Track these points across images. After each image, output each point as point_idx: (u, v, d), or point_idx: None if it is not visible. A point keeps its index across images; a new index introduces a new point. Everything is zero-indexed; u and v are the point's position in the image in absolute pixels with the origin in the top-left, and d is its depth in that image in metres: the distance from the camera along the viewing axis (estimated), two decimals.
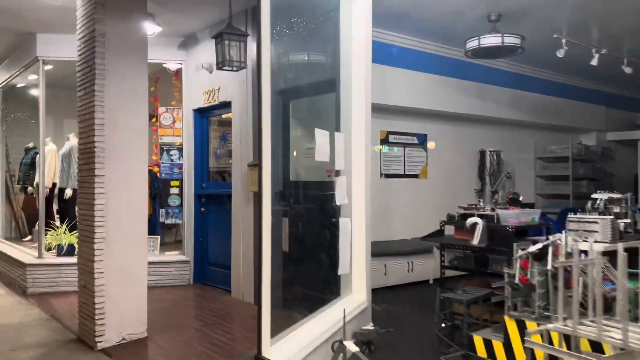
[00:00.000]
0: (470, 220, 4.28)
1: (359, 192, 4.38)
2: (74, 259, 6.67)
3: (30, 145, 9.33)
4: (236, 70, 5.29)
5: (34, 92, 9.89)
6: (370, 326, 4.15)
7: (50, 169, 8.12)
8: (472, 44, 5.37)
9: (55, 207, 8.44)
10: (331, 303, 4.16)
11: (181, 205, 6.95)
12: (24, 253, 7.06)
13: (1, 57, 8.35)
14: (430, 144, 7.38)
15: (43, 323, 5.19)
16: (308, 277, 4.94)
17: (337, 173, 4.37)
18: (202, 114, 6.81)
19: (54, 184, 8.22)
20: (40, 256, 6.68)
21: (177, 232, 8.10)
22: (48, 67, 6.92)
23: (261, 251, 2.99)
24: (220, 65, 5.05)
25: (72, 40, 6.25)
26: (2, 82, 8.46)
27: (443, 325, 4.34)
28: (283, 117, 5.47)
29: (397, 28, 6.47)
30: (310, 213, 5.09)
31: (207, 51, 6.50)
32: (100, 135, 4.40)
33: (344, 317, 3.55)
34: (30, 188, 9.06)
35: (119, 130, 4.50)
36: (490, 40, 5.22)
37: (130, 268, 4.55)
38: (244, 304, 5.70)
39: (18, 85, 9.33)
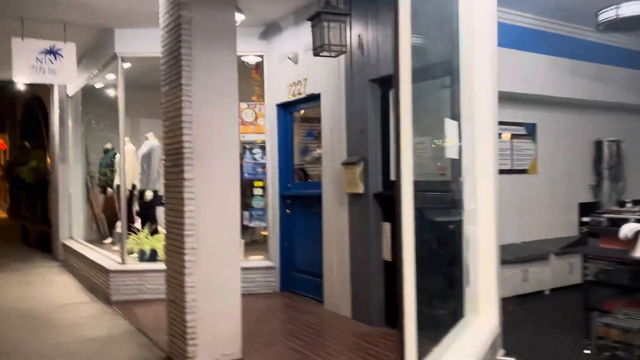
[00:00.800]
0: (630, 228, 3.49)
1: (486, 193, 3.71)
2: (157, 265, 6.41)
3: (109, 146, 9.23)
4: (335, 56, 4.72)
5: (111, 92, 9.81)
6: (505, 356, 3.46)
7: (129, 170, 7.91)
8: (607, 14, 4.52)
9: (135, 209, 8.27)
10: (459, 327, 3.51)
11: (265, 207, 6.49)
12: (107, 258, 6.85)
13: (79, 58, 8.23)
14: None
15: (131, 337, 4.86)
16: (422, 292, 4.31)
17: (458, 171, 3.70)
18: (286, 109, 6.31)
19: (133, 186, 8.03)
20: (123, 262, 6.43)
21: (253, 233, 7.68)
22: (126, 65, 6.64)
23: (402, 265, 2.39)
24: (317, 51, 4.49)
25: (151, 35, 5.92)
26: (84, 82, 8.34)
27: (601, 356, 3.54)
28: (382, 108, 4.85)
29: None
30: (419, 216, 4.44)
31: (290, 40, 5.99)
32: (188, 134, 3.96)
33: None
34: (109, 189, 8.94)
35: (208, 128, 4.03)
36: (633, 8, 4.35)
37: (223, 282, 4.08)
38: (340, 318, 5.14)
39: (96, 86, 9.26)
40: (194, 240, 3.96)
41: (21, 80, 5.72)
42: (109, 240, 9.06)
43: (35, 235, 10.54)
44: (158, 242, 6.63)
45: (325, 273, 5.45)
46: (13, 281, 7.55)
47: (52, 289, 7.03)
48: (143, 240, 6.64)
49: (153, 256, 6.56)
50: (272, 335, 4.71)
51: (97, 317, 5.63)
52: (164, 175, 4.33)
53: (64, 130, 9.33)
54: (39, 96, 13.35)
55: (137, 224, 8.23)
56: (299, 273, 6.12)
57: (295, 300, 5.89)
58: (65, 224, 9.28)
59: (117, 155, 8.12)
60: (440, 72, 4.30)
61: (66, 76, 6.01)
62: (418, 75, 4.60)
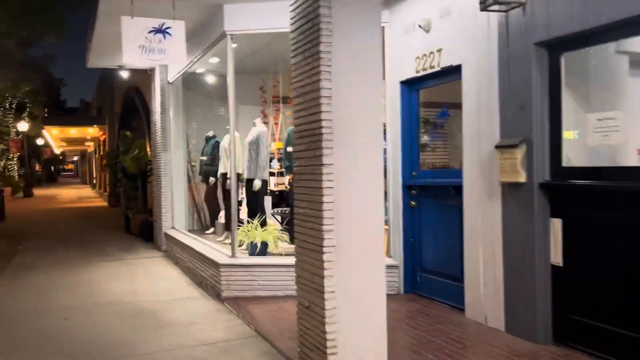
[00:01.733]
0: None
1: None
2: (269, 260, 5.92)
3: (211, 133, 8.91)
4: (505, 11, 3.90)
5: (210, 78, 9.52)
6: None
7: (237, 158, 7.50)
8: None
9: (239, 199, 7.88)
10: None
11: (385, 198, 5.77)
12: (215, 251, 6.46)
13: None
14: None
15: (251, 342, 4.35)
16: (607, 304, 3.44)
17: None
18: (412, 86, 5.54)
19: (238, 175, 7.61)
20: (233, 255, 5.99)
21: None
22: (234, 44, 6.16)
23: None
24: (483, 6, 3.69)
25: (262, 9, 5.38)
26: (185, 67, 8.03)
27: None
28: (550, 79, 3.96)
29: None
30: (602, 213, 3.55)
31: (420, 5, 5.21)
32: (327, 111, 3.31)
33: None
34: (211, 178, 8.63)
35: (349, 105, 3.37)
36: None
37: (367, 286, 3.43)
38: (490, 331, 4.34)
39: (197, 71, 8.97)
40: (334, 237, 3.33)
41: (130, 61, 5.40)
42: (210, 231, 8.77)
43: (137, 225, 10.54)
44: (269, 235, 6.15)
45: (467, 276, 4.67)
46: (120, 272, 7.40)
47: (159, 282, 6.76)
48: (253, 232, 6.17)
49: (264, 249, 6.08)
50: (415, 349, 4.01)
51: (210, 315, 5.20)
52: (294, 162, 3.73)
53: (165, 118, 9.14)
54: (137, 86, 13.51)
55: (242, 214, 7.85)
56: (429, 274, 5.36)
57: (426, 306, 5.15)
58: (167, 214, 9.11)
59: (223, 142, 7.74)
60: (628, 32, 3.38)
61: (175, 55, 5.61)
62: (595, 36, 3.67)
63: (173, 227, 9.09)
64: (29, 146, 31.44)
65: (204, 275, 6.43)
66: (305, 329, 3.60)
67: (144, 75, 11.70)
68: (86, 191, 32.17)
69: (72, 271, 7.45)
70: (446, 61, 4.87)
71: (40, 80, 24.10)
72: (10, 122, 25.13)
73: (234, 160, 6.09)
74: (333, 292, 3.32)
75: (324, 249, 3.30)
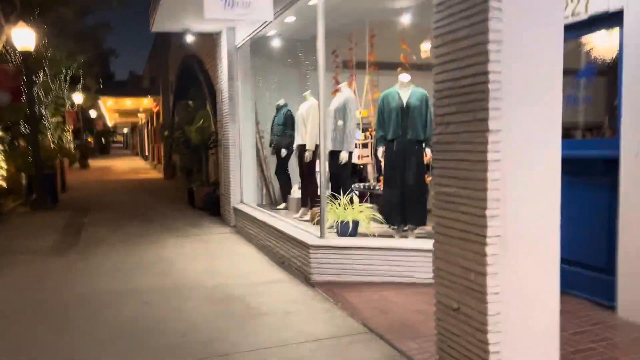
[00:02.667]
0: None
1: None
2: (364, 242, 5.27)
3: (282, 102, 8.27)
4: None
5: (281, 42, 8.84)
6: None
7: (314, 129, 6.85)
8: None
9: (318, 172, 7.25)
10: None
11: None
12: (300, 230, 5.86)
13: None
14: None
15: (362, 341, 3.73)
16: None
17: None
18: None
19: (316, 147, 6.96)
20: (322, 236, 5.38)
21: None
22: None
23: None
24: None
25: None
26: (257, 29, 7.37)
27: None
28: None
29: None
30: None
31: None
32: (496, 60, 2.57)
33: None
34: (283, 150, 8.02)
35: (524, 54, 2.62)
36: None
37: (539, 287, 2.73)
38: None
39: (268, 34, 8.30)
40: (499, 224, 2.62)
41: (212, 15, 4.78)
42: (282, 206, 8.22)
43: (202, 198, 10.12)
44: (361, 213, 5.49)
45: (620, 268, 3.88)
46: (194, 249, 6.94)
47: (238, 261, 6.25)
48: (342, 210, 5.54)
49: (355, 230, 5.44)
50: (571, 358, 3.29)
51: (305, 303, 4.62)
52: (434, 127, 3.01)
53: (233, 86, 8.54)
54: (195, 54, 12.97)
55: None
56: (564, 263, 4.57)
57: (563, 300, 4.39)
58: (236, 187, 8.60)
59: (299, 111, 7.09)
60: None
61: (261, 9, 4.96)
62: None
63: (242, 202, 8.59)
64: (83, 118, 31.86)
65: (287, 256, 5.87)
66: (450, 334, 2.93)
67: (204, 42, 11.13)
68: (139, 163, 32.47)
69: (144, 247, 7.05)
70: (597, 6, 3.99)
71: (95, 52, 24.07)
72: (65, 94, 25.33)
73: (323, 131, 5.41)
74: (497, 293, 2.63)
75: (488, 240, 2.60)
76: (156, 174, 22.11)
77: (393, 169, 5.50)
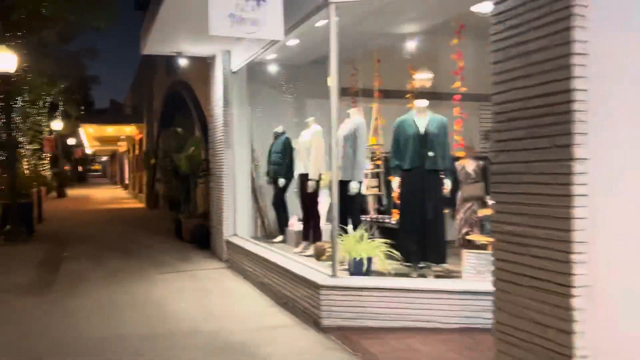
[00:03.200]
0: None
1: None
2: (382, 281, 4.76)
3: (280, 129, 7.84)
4: None
5: (276, 68, 8.47)
6: None
7: (318, 157, 6.41)
8: None
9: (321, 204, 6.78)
10: None
11: None
12: (307, 268, 5.34)
13: None
14: None
15: None
16: None
17: None
18: None
19: (319, 176, 6.51)
20: (334, 275, 4.87)
21: None
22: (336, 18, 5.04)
23: None
24: None
25: None
26: (256, 53, 6.97)
27: None
28: None
29: None
30: None
31: None
32: (581, 77, 2.17)
33: None
34: (281, 180, 7.55)
35: (610, 72, 2.22)
36: None
37: (638, 350, 2.27)
38: None
39: (266, 58, 7.92)
40: (587, 272, 2.17)
41: (218, 32, 4.34)
42: (278, 239, 7.69)
43: (190, 230, 9.53)
44: (375, 249, 5.02)
45: None
46: (185, 288, 6.34)
47: (235, 302, 5.69)
48: (353, 245, 5.05)
49: (369, 268, 4.95)
50: None
51: (319, 354, 4.09)
52: (493, 154, 2.58)
53: (228, 112, 8.09)
54: (184, 80, 12.56)
55: (322, 222, 6.75)
56: None
57: None
58: (229, 219, 8.06)
59: (301, 138, 6.65)
60: None
61: (271, 27, 4.54)
62: None
63: (235, 234, 8.04)
64: (61, 145, 30.99)
65: (291, 296, 5.33)
66: None
67: (195, 68, 10.74)
68: (118, 192, 31.57)
69: (130, 285, 6.43)
70: None
71: (77, 78, 23.48)
72: (44, 120, 24.58)
73: (336, 158, 4.96)
74: (586, 357, 2.16)
75: (573, 291, 2.15)
76: (138, 204, 21.34)
77: (410, 201, 5.07)
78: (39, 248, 9.49)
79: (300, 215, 7.91)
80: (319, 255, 6.07)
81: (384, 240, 5.10)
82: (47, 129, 25.12)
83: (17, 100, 16.70)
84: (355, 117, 5.70)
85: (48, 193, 24.67)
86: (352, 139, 5.58)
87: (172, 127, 11.25)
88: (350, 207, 5.60)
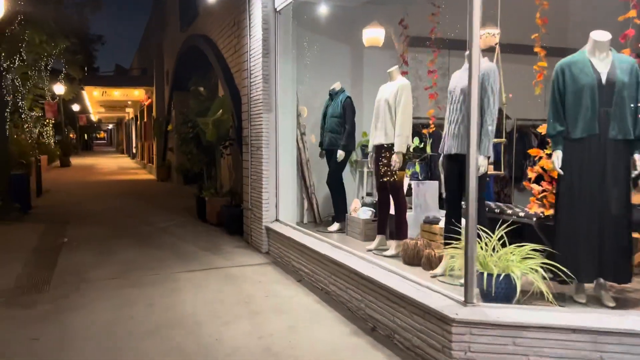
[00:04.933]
0: None
1: None
2: (551, 317, 3.02)
3: (337, 86, 6.12)
4: None
5: (327, 9, 6.63)
6: None
7: (407, 121, 4.65)
8: None
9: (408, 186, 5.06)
10: None
11: None
12: (415, 286, 3.62)
13: None
14: None
15: None
16: None
17: None
18: None
19: (408, 149, 4.77)
20: (469, 301, 3.17)
21: None
22: None
23: None
24: None
25: None
26: None
27: None
28: None
29: None
30: None
31: None
32: None
33: None
34: (340, 152, 5.85)
35: None
36: None
37: None
38: None
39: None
40: None
41: None
42: (334, 227, 6.04)
43: (217, 211, 7.86)
44: (525, 263, 3.29)
45: None
46: (224, 296, 4.67)
47: (299, 326, 4.00)
48: (488, 256, 3.34)
49: (513, 291, 3.24)
50: None
51: None
52: None
53: (269, 63, 6.30)
54: (202, 33, 10.69)
55: (411, 211, 5.05)
56: None
57: None
58: (270, 201, 6.36)
59: (381, 95, 4.86)
60: None
61: None
62: None
63: (277, 220, 6.36)
64: (65, 112, 29.24)
65: (386, 322, 3.66)
66: None
67: (219, 16, 8.90)
68: (126, 161, 29.91)
69: (147, 291, 4.78)
70: None
71: (79, 36, 21.54)
72: (45, 84, 22.74)
73: (478, 124, 3.17)
74: None
75: None
76: (147, 175, 19.68)
77: (581, 188, 3.32)
78: (33, 230, 7.86)
79: (363, 197, 6.23)
80: (410, 259, 4.39)
81: (532, 246, 3.36)
82: (49, 93, 23.34)
83: (14, 59, 14.93)
84: (482, 60, 3.88)
85: (51, 162, 23.06)
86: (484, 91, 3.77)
87: (190, 89, 9.44)
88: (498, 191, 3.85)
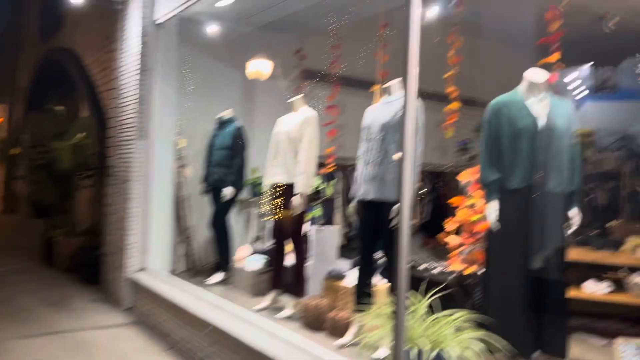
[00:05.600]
0: None
1: None
2: None
3: (228, 114, 5.37)
4: None
5: (218, 29, 5.89)
6: None
7: (312, 158, 4.01)
8: None
9: (307, 229, 4.36)
10: None
11: None
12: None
13: None
14: None
15: None
16: None
17: None
18: None
19: (317, 190, 4.13)
20: None
21: None
22: None
23: None
24: None
25: None
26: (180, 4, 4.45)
27: None
28: None
29: None
30: None
31: None
32: None
33: None
34: (228, 190, 5.05)
35: None
36: None
37: None
38: None
39: (205, 12, 5.36)
40: None
41: None
42: (215, 278, 5.16)
43: (69, 254, 6.52)
44: (454, 335, 2.73)
45: None
46: None
47: None
48: (418, 325, 2.74)
49: None
50: None
51: None
52: None
53: (146, 83, 5.36)
54: (66, 47, 9.31)
55: (310, 262, 4.35)
56: None
57: None
58: (137, 245, 5.30)
59: (290, 125, 4.16)
60: None
61: None
62: None
63: (145, 269, 5.30)
64: None
65: None
66: None
67: (86, 28, 7.75)
68: None
69: None
70: None
71: None
72: None
73: (413, 164, 2.60)
74: None
75: None
76: None
77: (517, 244, 2.88)
78: None
79: (253, 243, 5.48)
80: (311, 323, 3.67)
81: (464, 313, 2.83)
82: None
83: None
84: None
85: None
86: (395, 130, 3.24)
87: (45, 108, 8.02)
88: (389, 243, 3.26)
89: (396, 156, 3.10)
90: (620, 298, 3.98)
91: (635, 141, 5.78)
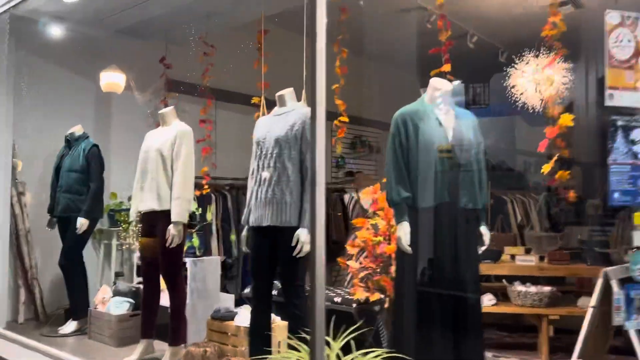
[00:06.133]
0: None
1: None
2: None
3: (77, 131, 4.55)
4: None
5: (66, 33, 5.02)
6: None
7: (188, 181, 3.44)
8: None
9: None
10: None
11: None
12: None
13: None
14: None
15: None
16: None
17: None
18: None
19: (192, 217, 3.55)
20: None
21: None
22: None
23: None
24: None
25: None
26: None
27: None
28: None
29: None
30: None
31: None
32: None
33: None
34: (80, 221, 4.22)
35: None
36: None
37: None
38: None
39: (47, 11, 4.53)
40: None
41: None
42: (69, 327, 4.28)
43: None
44: None
45: None
46: None
47: None
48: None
49: None
50: None
51: None
52: None
53: None
54: None
55: (165, 300, 3.69)
56: None
57: None
58: None
59: (149, 143, 3.52)
60: None
61: None
62: None
63: None
64: None
65: None
66: None
67: None
68: None
69: None
70: None
71: None
72: None
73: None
74: None
75: None
76: None
77: (431, 267, 2.64)
78: None
79: (115, 283, 4.68)
80: None
81: (382, 352, 2.49)
82: None
83: None
84: (298, 107, 2.98)
85: None
86: (294, 144, 2.84)
87: None
88: (290, 275, 2.82)
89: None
90: (505, 309, 4.00)
91: (492, 154, 6.08)
